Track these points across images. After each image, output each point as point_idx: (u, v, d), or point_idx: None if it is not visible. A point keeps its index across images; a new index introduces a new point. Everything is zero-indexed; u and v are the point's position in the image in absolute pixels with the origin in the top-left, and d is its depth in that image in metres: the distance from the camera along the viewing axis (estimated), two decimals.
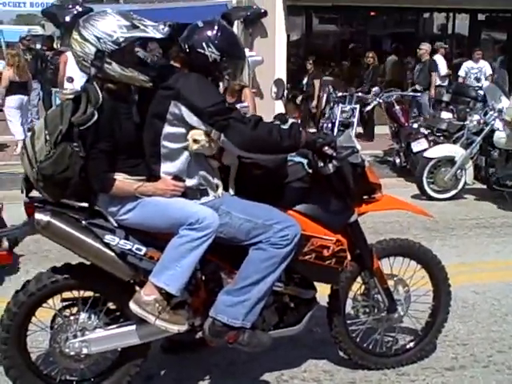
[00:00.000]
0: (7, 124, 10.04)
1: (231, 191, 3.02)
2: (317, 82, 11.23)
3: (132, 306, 2.81)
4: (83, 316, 2.96)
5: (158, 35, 2.73)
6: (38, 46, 14.08)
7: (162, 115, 2.79)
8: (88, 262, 2.94)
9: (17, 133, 9.81)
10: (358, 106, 9.85)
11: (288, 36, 12.37)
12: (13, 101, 9.78)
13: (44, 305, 2.95)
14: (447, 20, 15.33)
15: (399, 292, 3.45)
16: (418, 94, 10.53)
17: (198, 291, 2.99)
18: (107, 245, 2.81)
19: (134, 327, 2.94)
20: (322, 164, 2.99)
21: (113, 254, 2.82)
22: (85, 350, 2.93)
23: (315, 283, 3.20)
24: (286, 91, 3.59)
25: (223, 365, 3.50)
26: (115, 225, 2.84)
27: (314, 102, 11.22)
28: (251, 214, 2.89)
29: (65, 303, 3.02)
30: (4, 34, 14.87)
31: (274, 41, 11.93)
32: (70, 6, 11.53)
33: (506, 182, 7.31)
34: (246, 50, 3.46)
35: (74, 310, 3.01)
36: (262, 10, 12.11)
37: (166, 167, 2.86)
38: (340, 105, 9.77)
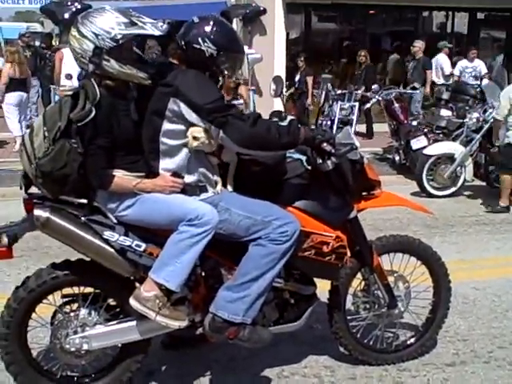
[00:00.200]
0: (5, 121, 10.04)
1: (229, 188, 3.02)
2: (309, 79, 11.21)
3: (132, 302, 2.81)
4: (83, 312, 2.97)
5: (157, 32, 2.73)
6: (37, 44, 14.06)
7: (161, 112, 2.79)
8: (88, 259, 2.94)
9: (14, 129, 9.81)
10: (357, 104, 9.85)
11: (287, 34, 12.36)
12: (12, 97, 9.78)
13: (44, 301, 2.95)
14: (446, 18, 15.32)
15: (399, 288, 3.45)
16: (417, 92, 10.53)
17: (198, 287, 2.99)
18: (106, 241, 2.82)
19: (134, 323, 2.94)
20: (320, 161, 2.99)
21: (112, 250, 2.82)
22: (85, 346, 2.93)
23: (315, 279, 3.20)
24: (284, 89, 3.59)
25: (224, 361, 3.50)
26: (114, 221, 2.84)
27: (309, 100, 11.20)
28: (250, 211, 2.89)
29: (65, 299, 3.02)
30: (3, 30, 14.82)
31: (273, 38, 11.92)
32: (69, 3, 11.51)
33: None
34: (245, 48, 3.44)
35: (75, 306, 3.01)
36: (261, 8, 12.10)
37: (165, 164, 2.86)
38: (339, 102, 9.77)
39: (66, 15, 11.14)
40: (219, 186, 2.97)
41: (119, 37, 2.67)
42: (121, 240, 2.82)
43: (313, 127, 3.33)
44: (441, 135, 8.33)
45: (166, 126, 2.81)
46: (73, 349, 2.93)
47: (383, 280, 3.37)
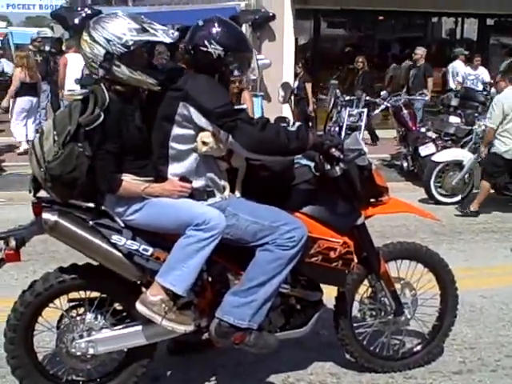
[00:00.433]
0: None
1: (237, 193, 3.03)
2: (308, 86, 11.21)
3: (138, 306, 2.81)
4: (90, 316, 2.97)
5: (168, 40, 2.73)
6: (47, 48, 14.16)
7: (170, 117, 2.80)
8: (95, 263, 2.94)
9: (18, 134, 9.87)
10: (365, 110, 9.83)
11: (296, 40, 12.38)
12: (23, 102, 9.83)
13: (51, 305, 2.96)
14: (456, 24, 15.32)
15: (406, 295, 3.44)
16: (426, 98, 10.52)
17: (205, 292, 2.99)
18: (114, 245, 2.82)
19: (140, 328, 2.94)
20: (329, 166, 2.99)
21: (120, 254, 2.83)
22: (91, 351, 2.93)
23: (322, 285, 3.19)
24: (292, 95, 3.59)
25: (230, 366, 3.50)
26: (122, 225, 2.85)
27: (311, 107, 11.19)
28: (258, 216, 2.89)
29: (71, 303, 3.03)
30: (14, 36, 14.95)
31: (282, 44, 11.93)
32: (79, 9, 11.61)
33: None
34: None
35: (81, 310, 3.01)
36: (271, 14, 12.11)
37: (174, 168, 2.86)
38: (348, 108, 9.76)
39: (76, 20, 11.20)
40: (227, 192, 2.97)
41: (130, 43, 2.68)
42: (128, 244, 2.83)
43: (321, 133, 3.33)
44: (449, 142, 8.30)
45: (176, 130, 2.81)
46: (79, 353, 2.93)
47: (390, 287, 3.35)
